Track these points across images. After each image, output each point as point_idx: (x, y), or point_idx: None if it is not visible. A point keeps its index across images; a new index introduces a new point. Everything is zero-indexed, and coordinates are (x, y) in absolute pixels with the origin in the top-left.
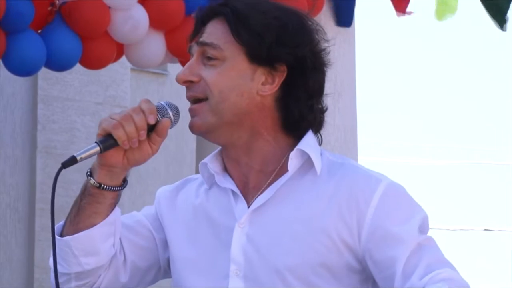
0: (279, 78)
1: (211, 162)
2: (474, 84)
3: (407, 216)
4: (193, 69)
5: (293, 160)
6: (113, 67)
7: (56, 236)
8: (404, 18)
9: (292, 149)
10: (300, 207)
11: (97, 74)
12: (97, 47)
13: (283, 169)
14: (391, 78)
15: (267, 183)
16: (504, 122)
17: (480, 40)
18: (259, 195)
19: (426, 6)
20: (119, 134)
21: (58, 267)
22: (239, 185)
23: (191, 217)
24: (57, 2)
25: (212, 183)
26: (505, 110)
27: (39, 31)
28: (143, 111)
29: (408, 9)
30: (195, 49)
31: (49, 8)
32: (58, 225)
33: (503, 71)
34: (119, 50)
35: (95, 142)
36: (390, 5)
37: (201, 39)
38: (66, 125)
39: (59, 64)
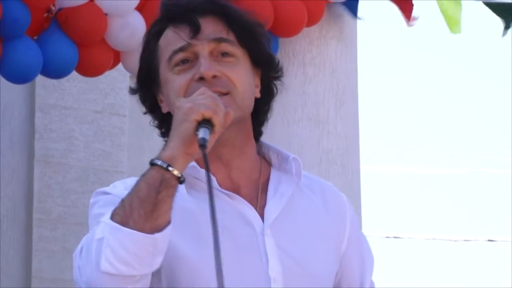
0: (258, 81)
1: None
2: (476, 93)
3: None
4: (213, 65)
5: (297, 168)
6: (111, 75)
7: (138, 233)
8: (412, 25)
9: (257, 156)
10: (309, 216)
11: (96, 81)
12: (94, 54)
13: (265, 176)
14: (393, 86)
15: (259, 189)
16: (507, 130)
17: (482, 48)
18: (266, 204)
19: (429, 14)
20: (219, 121)
21: (125, 269)
22: (226, 189)
23: (189, 220)
24: (53, 8)
25: (192, 184)
26: (507, 118)
27: (35, 38)
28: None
29: (413, 15)
30: (202, 46)
31: (45, 15)
32: (107, 223)
33: (504, 79)
34: (116, 57)
35: (205, 126)
36: (392, 12)
37: (216, 36)
38: (64, 134)
39: (55, 71)
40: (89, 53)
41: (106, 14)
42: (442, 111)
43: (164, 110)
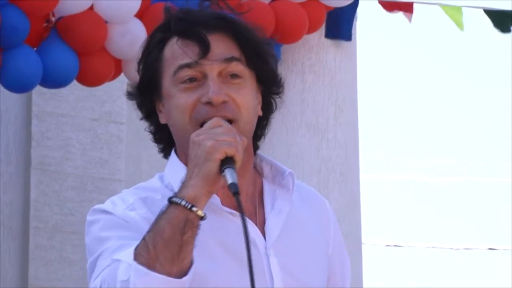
0: (260, 97)
1: None
2: (477, 101)
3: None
4: (222, 88)
5: (293, 184)
6: (109, 82)
7: (167, 278)
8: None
9: (253, 169)
10: (304, 230)
11: (93, 89)
12: (95, 63)
13: (258, 188)
14: (394, 93)
15: (256, 204)
16: (507, 139)
17: (482, 55)
18: (265, 220)
19: (433, 21)
20: (240, 158)
21: None
22: (228, 206)
23: (198, 239)
24: (52, 18)
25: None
26: (509, 126)
27: (35, 48)
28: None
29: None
30: (211, 67)
31: (45, 25)
32: (133, 265)
33: (504, 88)
34: (117, 67)
35: (229, 167)
36: (391, 19)
37: (227, 55)
38: (60, 142)
39: (55, 81)
40: (90, 62)
41: (106, 22)
42: (443, 119)
43: (162, 120)
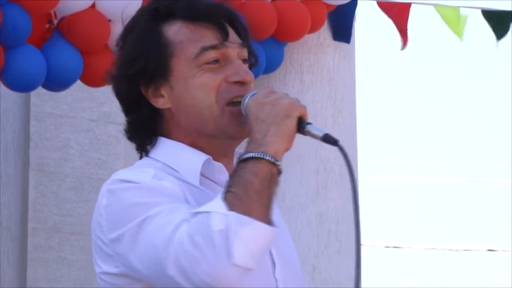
0: None
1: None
2: (474, 102)
3: None
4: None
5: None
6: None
7: (267, 226)
8: (403, 49)
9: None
10: (281, 224)
11: (91, 90)
12: (98, 62)
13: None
14: (392, 94)
15: None
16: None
17: (481, 58)
18: None
19: (431, 24)
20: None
21: (251, 264)
22: None
23: None
24: (54, 20)
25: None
26: (507, 127)
27: (39, 49)
28: None
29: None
30: (233, 49)
31: (47, 26)
32: (230, 214)
33: (504, 89)
34: None
35: (309, 123)
36: (390, 20)
37: (240, 41)
38: (59, 142)
39: (59, 80)
40: (94, 61)
41: (109, 20)
42: (441, 120)
43: (163, 105)
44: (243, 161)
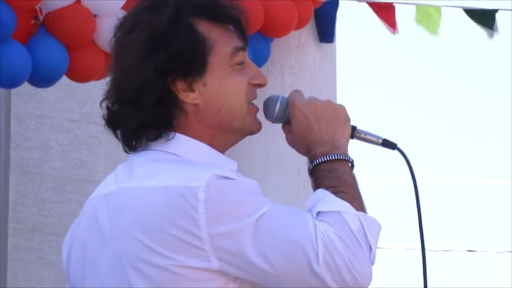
0: None
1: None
2: (457, 101)
3: None
4: None
5: None
6: (89, 83)
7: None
8: (396, 33)
9: None
10: None
11: (73, 90)
12: (84, 57)
13: None
14: (374, 95)
15: None
16: (486, 140)
17: (476, 56)
18: None
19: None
20: None
21: None
22: None
23: None
24: (40, 16)
25: None
26: (486, 128)
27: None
28: None
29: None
30: (242, 53)
31: (33, 22)
32: (360, 214)
33: (501, 88)
34: (107, 61)
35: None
36: (371, 21)
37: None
38: (39, 143)
39: (45, 76)
40: (80, 56)
41: (94, 15)
42: (421, 121)
43: (192, 100)
44: (328, 161)
